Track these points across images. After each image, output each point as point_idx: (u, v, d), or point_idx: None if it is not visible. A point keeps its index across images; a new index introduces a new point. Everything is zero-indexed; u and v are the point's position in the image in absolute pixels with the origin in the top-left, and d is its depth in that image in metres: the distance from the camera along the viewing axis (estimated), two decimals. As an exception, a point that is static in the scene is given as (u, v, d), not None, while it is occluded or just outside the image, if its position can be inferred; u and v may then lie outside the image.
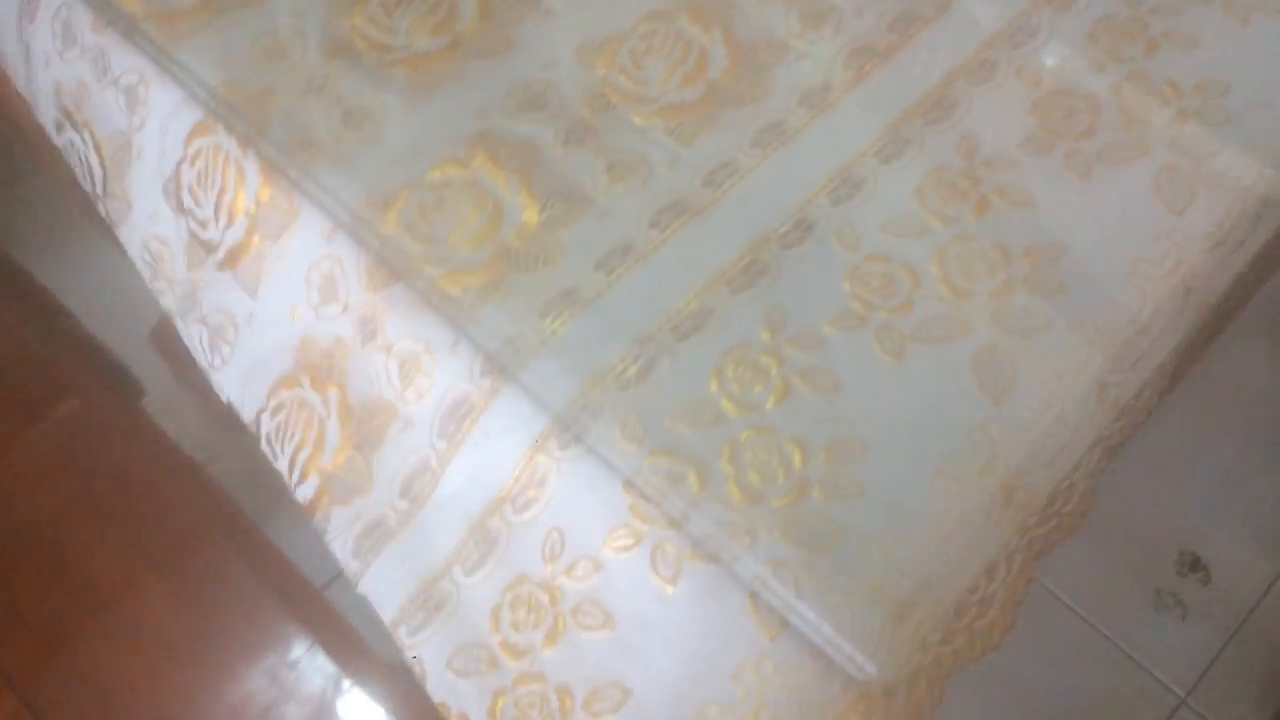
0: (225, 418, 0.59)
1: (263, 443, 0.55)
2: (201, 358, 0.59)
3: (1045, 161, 0.52)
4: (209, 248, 0.57)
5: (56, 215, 1.14)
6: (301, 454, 0.53)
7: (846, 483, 0.45)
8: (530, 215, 0.51)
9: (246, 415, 0.56)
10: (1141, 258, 0.50)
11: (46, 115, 0.64)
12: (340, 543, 0.53)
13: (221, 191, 0.56)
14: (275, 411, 0.54)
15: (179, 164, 0.57)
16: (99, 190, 0.61)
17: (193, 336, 0.59)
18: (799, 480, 0.45)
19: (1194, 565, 1.15)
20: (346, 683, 0.83)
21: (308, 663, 0.83)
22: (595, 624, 0.46)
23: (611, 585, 0.45)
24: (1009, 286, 0.49)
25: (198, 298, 0.58)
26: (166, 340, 1.16)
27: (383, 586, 0.52)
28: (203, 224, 0.57)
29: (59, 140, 0.63)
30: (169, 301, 0.60)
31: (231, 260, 0.55)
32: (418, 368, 0.49)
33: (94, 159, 0.60)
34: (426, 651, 0.51)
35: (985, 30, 0.56)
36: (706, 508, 0.44)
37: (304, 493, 0.54)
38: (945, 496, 0.44)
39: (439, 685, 0.51)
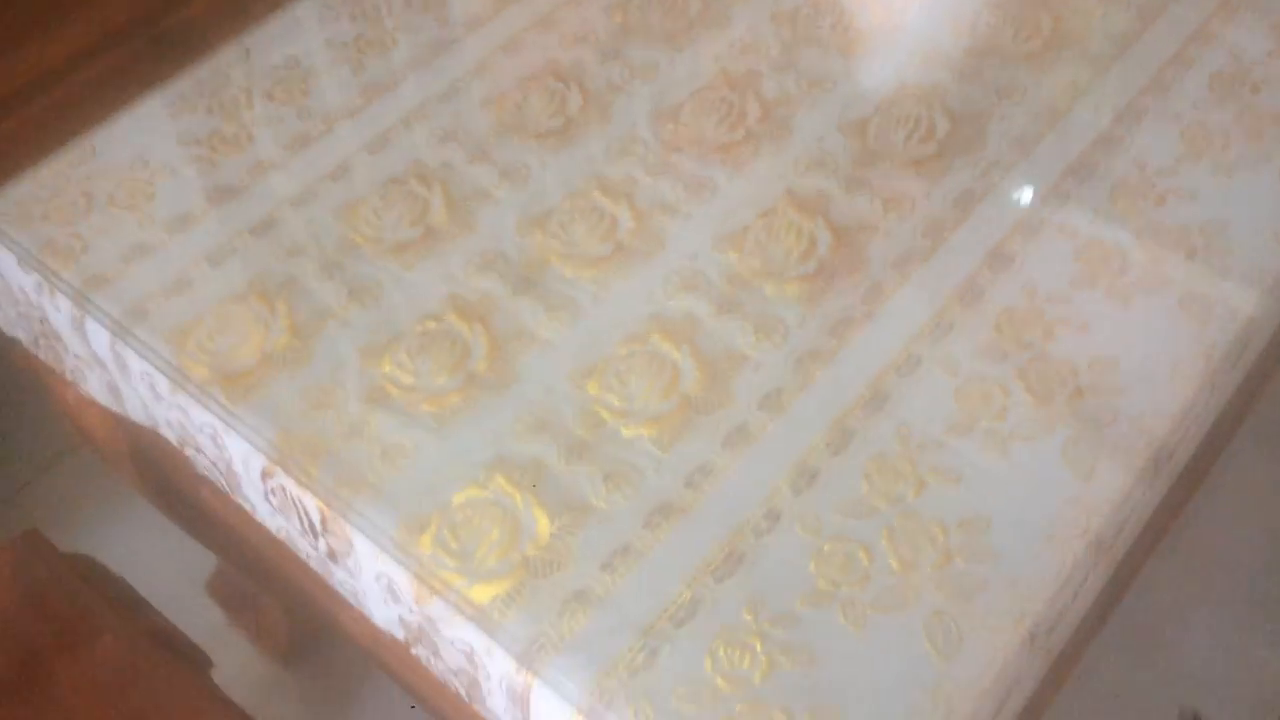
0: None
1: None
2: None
3: (968, 442, 0.65)
4: (315, 548, 0.70)
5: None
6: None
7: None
8: (543, 527, 0.64)
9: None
10: (1058, 519, 0.62)
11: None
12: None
13: (299, 518, 0.69)
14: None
15: (266, 496, 0.70)
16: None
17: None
18: None
19: None
20: None
21: None
22: None
23: None
24: (948, 556, 0.61)
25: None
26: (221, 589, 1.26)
27: None
28: (301, 534, 0.70)
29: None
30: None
31: (334, 557, 0.68)
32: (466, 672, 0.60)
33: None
34: None
35: (909, 329, 0.70)
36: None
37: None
38: None
39: None
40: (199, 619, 1.32)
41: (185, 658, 0.92)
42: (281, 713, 1.15)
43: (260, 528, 0.77)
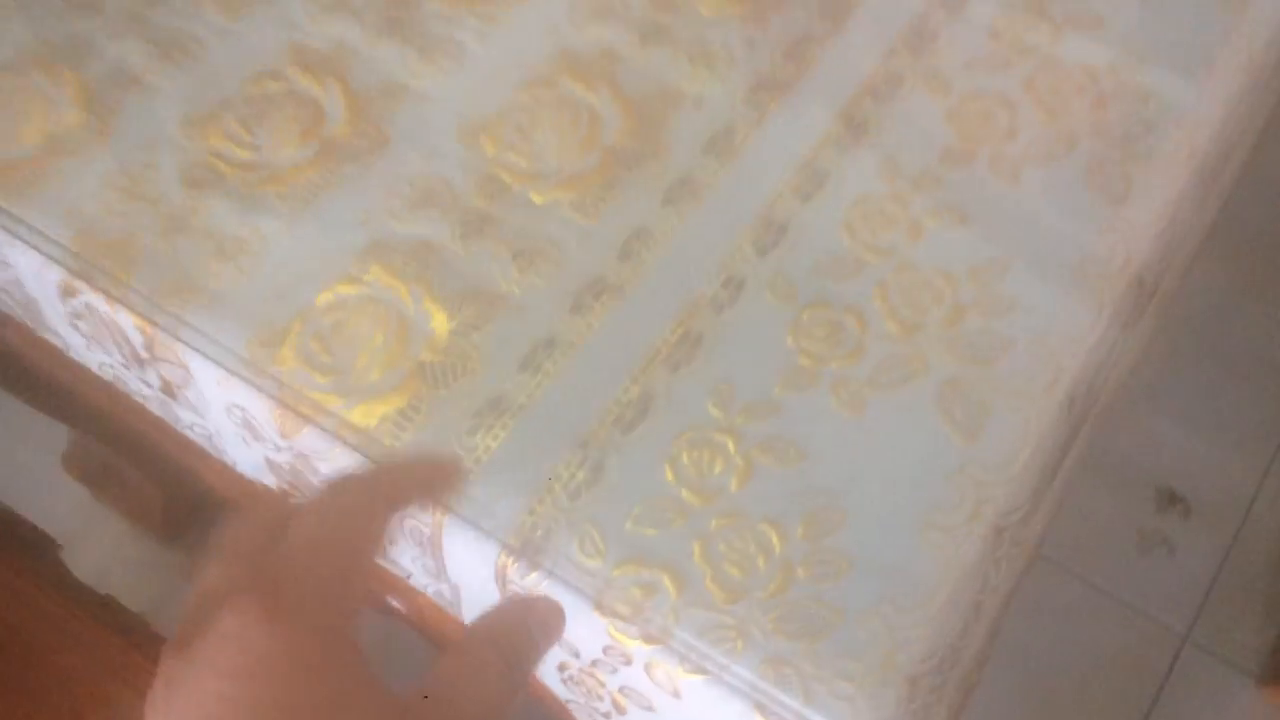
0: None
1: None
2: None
3: (969, 172, 0.52)
4: (148, 385, 0.55)
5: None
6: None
7: (832, 557, 0.43)
8: (440, 324, 0.49)
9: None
10: (1090, 256, 0.50)
11: None
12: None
13: (119, 347, 0.54)
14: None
15: (72, 323, 0.54)
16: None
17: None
18: (781, 564, 0.43)
19: (1172, 499, 1.18)
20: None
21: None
22: (645, 704, 0.45)
23: (633, 683, 0.44)
24: (958, 312, 0.49)
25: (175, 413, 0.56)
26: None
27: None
28: (125, 367, 0.55)
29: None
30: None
31: (170, 391, 0.53)
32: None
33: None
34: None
35: (883, 41, 0.56)
36: (689, 615, 0.42)
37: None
38: (938, 551, 0.43)
39: None
40: (65, 500, 1.17)
41: (24, 543, 0.78)
42: (164, 593, 1.01)
43: (79, 370, 0.61)
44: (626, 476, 0.45)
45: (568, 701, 0.52)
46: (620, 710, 0.48)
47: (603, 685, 0.47)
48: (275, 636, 0.30)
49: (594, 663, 0.46)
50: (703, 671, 0.42)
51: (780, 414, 0.47)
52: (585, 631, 0.44)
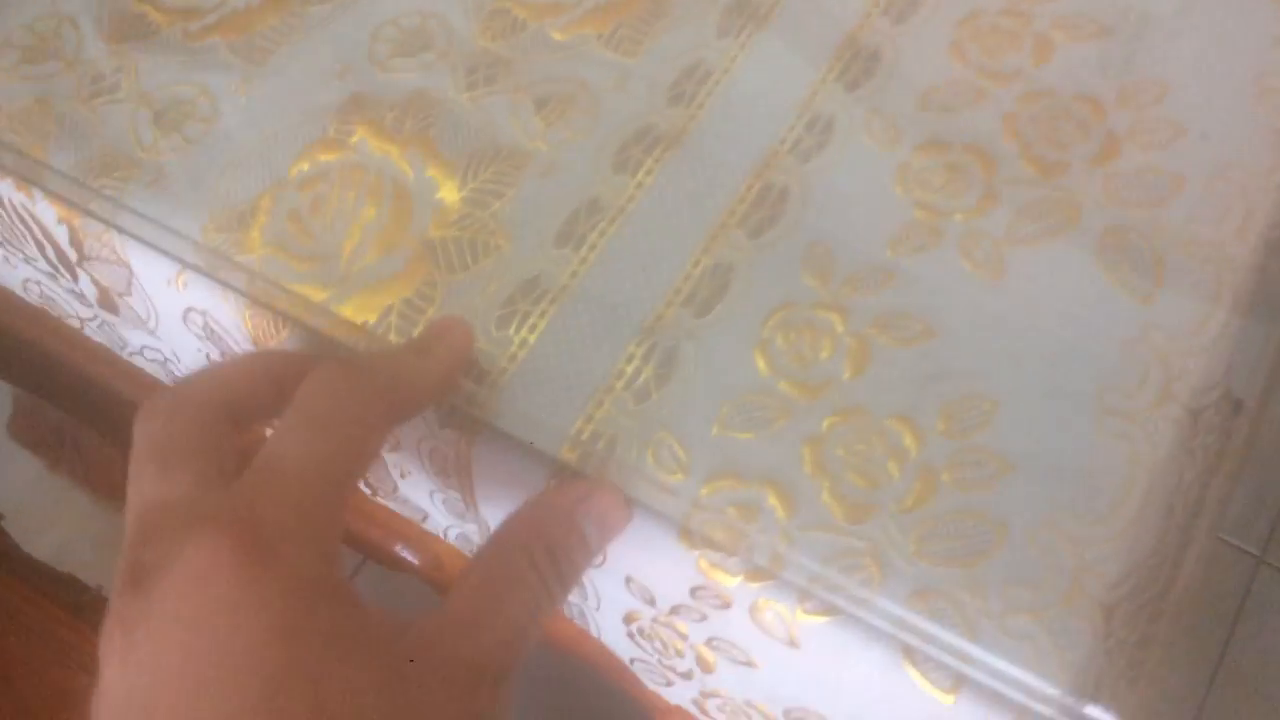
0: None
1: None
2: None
3: (1107, -28, 0.42)
4: (84, 300, 0.44)
5: None
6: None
7: (985, 457, 0.34)
8: (449, 192, 0.39)
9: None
10: (1272, 69, 0.40)
11: None
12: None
13: (41, 249, 0.43)
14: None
15: None
16: None
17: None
18: (919, 469, 0.34)
19: (1237, 408, 1.10)
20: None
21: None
22: (742, 659, 0.36)
23: (731, 632, 0.35)
24: (1111, 144, 0.39)
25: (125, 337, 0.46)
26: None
27: None
28: (52, 277, 0.44)
29: None
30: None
31: (110, 304, 0.43)
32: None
33: None
34: None
35: None
36: (805, 539, 0.33)
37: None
38: (1122, 443, 0.34)
39: None
40: (17, 472, 1.06)
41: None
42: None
43: (4, 297, 0.50)
44: (706, 369, 0.36)
45: (632, 661, 0.42)
46: (706, 667, 0.38)
47: (684, 638, 0.38)
48: (252, 584, 0.24)
49: (675, 609, 0.36)
50: (832, 611, 0.32)
51: (896, 281, 0.37)
52: (666, 569, 0.35)
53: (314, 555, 0.25)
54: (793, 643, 0.33)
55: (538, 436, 0.35)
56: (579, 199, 0.39)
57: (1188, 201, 0.37)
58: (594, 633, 0.43)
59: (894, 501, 0.33)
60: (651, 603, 0.37)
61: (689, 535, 0.34)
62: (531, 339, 0.36)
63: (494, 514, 0.39)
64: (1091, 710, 0.29)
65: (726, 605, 0.34)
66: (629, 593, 0.37)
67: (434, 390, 0.33)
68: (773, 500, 0.33)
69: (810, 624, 0.33)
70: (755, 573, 0.33)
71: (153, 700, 0.23)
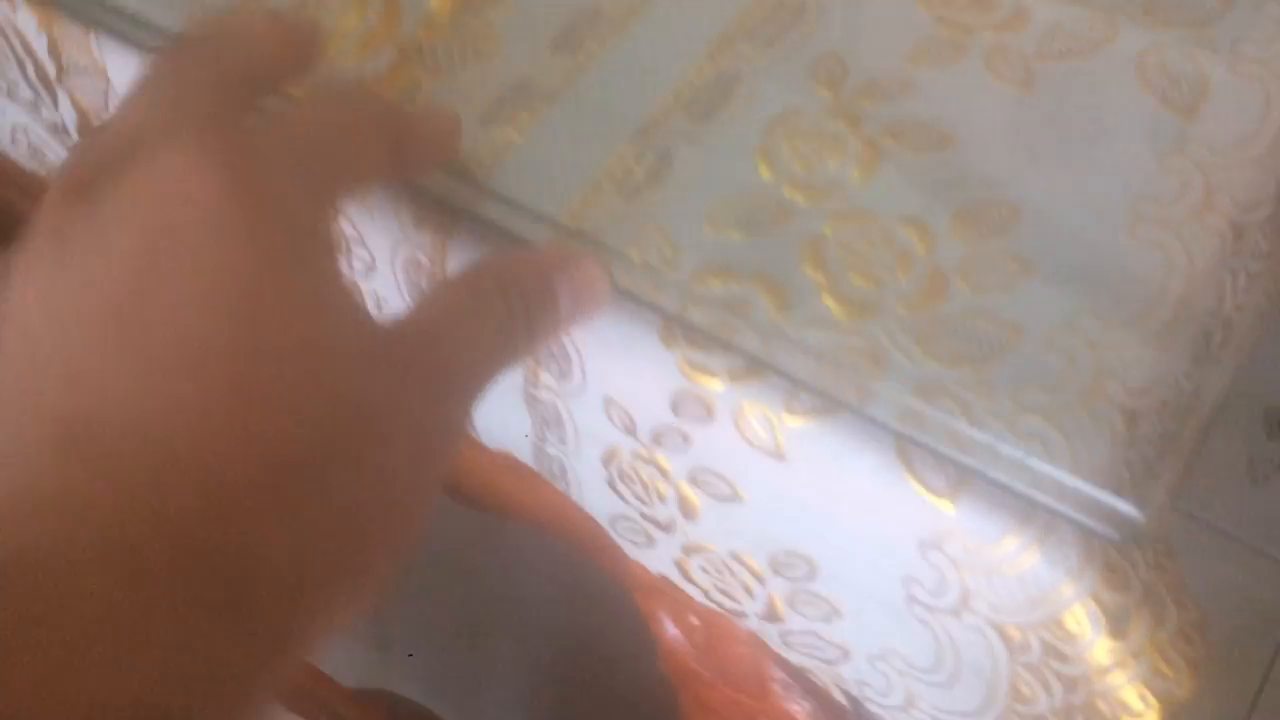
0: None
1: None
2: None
3: None
4: (65, 137, 0.43)
5: None
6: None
7: (1002, 261, 0.31)
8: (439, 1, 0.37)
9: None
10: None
11: None
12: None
13: (19, 66, 0.42)
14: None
15: None
16: None
17: None
18: (929, 272, 0.31)
19: None
20: None
21: None
22: (726, 493, 0.32)
23: (715, 454, 0.32)
24: (1155, -32, 0.36)
25: None
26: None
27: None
28: (34, 108, 0.43)
29: None
30: None
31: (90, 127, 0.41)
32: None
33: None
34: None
35: None
36: (796, 336, 0.30)
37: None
38: (1156, 249, 0.31)
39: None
40: None
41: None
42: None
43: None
44: (704, 171, 0.33)
45: (613, 521, 0.39)
46: (690, 511, 0.35)
47: (665, 476, 0.35)
48: (229, 199, 0.20)
49: (657, 437, 0.33)
50: (821, 411, 0.29)
51: (914, 92, 0.34)
52: (646, 380, 0.32)
53: (313, 207, 0.22)
54: (779, 454, 0.31)
55: (518, 226, 0.32)
56: (580, 8, 0.37)
57: (1234, 24, 0.35)
58: (574, 494, 0.40)
59: (899, 302, 0.30)
60: (632, 431, 0.34)
61: (671, 333, 0.31)
62: (519, 139, 0.34)
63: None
64: (1108, 502, 0.26)
65: (709, 415, 0.31)
66: (608, 419, 0.34)
67: (424, 149, 0.30)
68: (765, 297, 0.31)
69: (798, 427, 0.30)
70: (740, 371, 0.30)
71: (85, 307, 0.19)
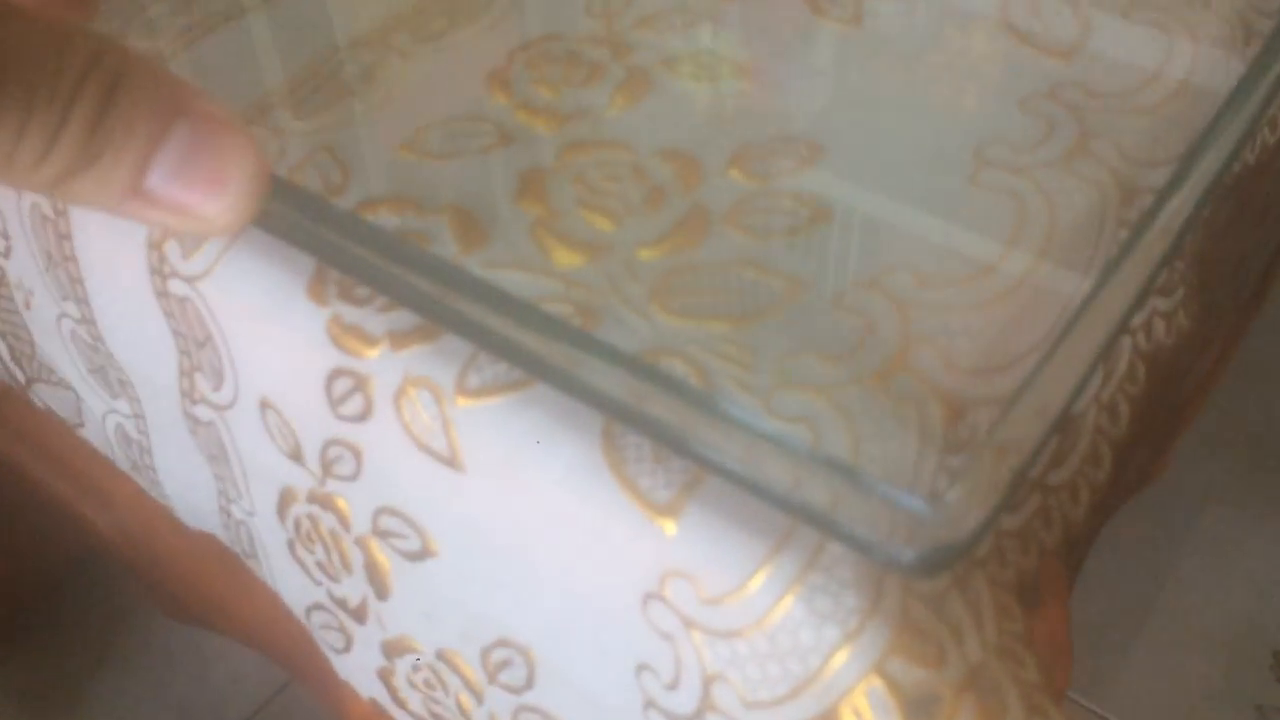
0: None
1: None
2: None
3: None
4: None
5: None
6: None
7: (790, 204, 0.22)
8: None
9: None
10: None
11: None
12: None
13: None
14: None
15: None
16: None
17: None
18: (686, 211, 0.22)
19: None
20: None
21: None
22: (415, 548, 0.22)
23: (388, 474, 0.22)
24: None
25: None
26: None
27: None
28: None
29: None
30: None
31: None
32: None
33: None
34: None
35: None
36: (482, 279, 0.21)
37: None
38: (1008, 199, 0.22)
39: None
40: None
41: None
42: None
43: None
44: (414, 91, 0.25)
45: (309, 610, 0.29)
46: (381, 583, 0.25)
47: (346, 525, 0.25)
48: None
49: (325, 461, 0.24)
50: (495, 388, 0.20)
51: (712, 21, 0.26)
52: (299, 356, 0.23)
53: None
54: (454, 461, 0.21)
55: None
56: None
57: (1129, -32, 0.27)
58: (268, 574, 0.30)
59: (639, 245, 0.21)
60: (298, 454, 0.24)
61: (322, 284, 0.22)
62: (200, 39, 0.26)
63: (120, 346, 0.27)
64: (900, 501, 0.16)
65: (368, 406, 0.22)
66: (270, 437, 0.25)
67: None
68: (451, 229, 0.22)
69: (472, 411, 0.20)
70: (403, 334, 0.21)
71: None
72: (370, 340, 0.21)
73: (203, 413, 0.27)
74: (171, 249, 0.24)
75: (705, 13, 0.27)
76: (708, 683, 0.19)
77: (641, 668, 0.20)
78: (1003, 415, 0.17)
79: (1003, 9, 0.26)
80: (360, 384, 0.22)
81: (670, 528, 0.18)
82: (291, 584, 0.28)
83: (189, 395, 0.27)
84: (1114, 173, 0.23)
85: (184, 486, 0.30)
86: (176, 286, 0.24)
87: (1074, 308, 0.18)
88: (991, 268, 0.21)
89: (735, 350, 0.19)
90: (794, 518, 0.17)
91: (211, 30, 0.26)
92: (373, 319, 0.22)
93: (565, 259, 0.21)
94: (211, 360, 0.25)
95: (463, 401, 0.20)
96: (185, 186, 0.17)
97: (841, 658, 0.17)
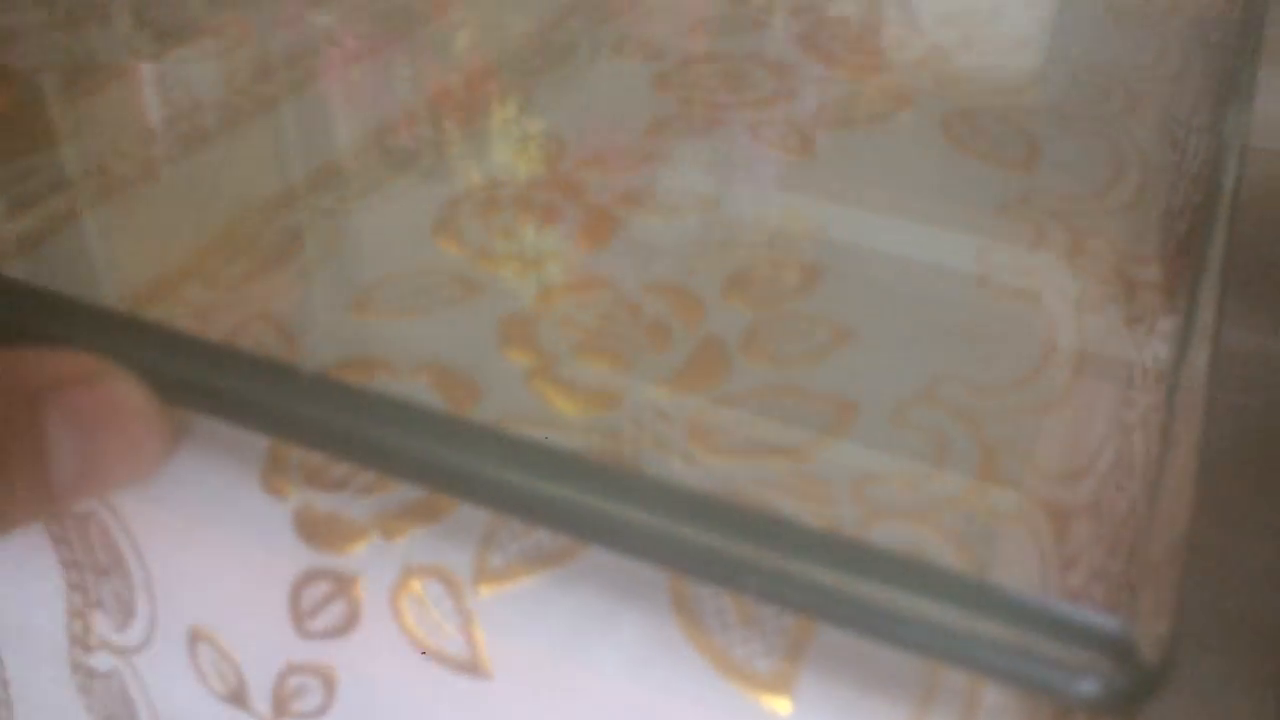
0: None
1: None
2: None
3: None
4: None
5: None
6: None
7: (806, 328, 0.20)
8: None
9: None
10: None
11: None
12: None
13: None
14: None
15: None
16: None
17: None
18: (699, 345, 0.20)
19: None
20: None
21: None
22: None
23: (377, 700, 0.18)
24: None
25: None
26: None
27: None
28: None
29: None
30: None
31: None
32: None
33: None
34: None
35: None
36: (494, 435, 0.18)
37: None
38: (1017, 301, 0.21)
39: None
40: None
41: None
42: None
43: None
44: (351, 251, 0.22)
45: None
46: None
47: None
48: None
49: (281, 698, 0.20)
50: (532, 562, 0.17)
51: (658, 162, 0.25)
52: (255, 569, 0.19)
53: None
54: (477, 665, 0.17)
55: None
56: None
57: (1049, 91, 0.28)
58: None
59: (658, 384, 0.19)
60: (241, 696, 0.20)
61: (280, 469, 0.18)
62: (86, 213, 0.23)
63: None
64: (1077, 620, 0.14)
65: (354, 613, 0.18)
66: (200, 678, 0.20)
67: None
68: (437, 391, 0.19)
69: (501, 596, 0.17)
70: (396, 513, 0.18)
71: None
72: (353, 530, 0.18)
73: (101, 662, 0.22)
74: (70, 455, 0.20)
75: (648, 154, 0.25)
76: None
77: None
78: (1145, 528, 0.15)
79: (946, 128, 0.26)
80: (342, 587, 0.18)
81: (783, 706, 0.15)
82: None
83: (81, 642, 0.22)
84: (1114, 266, 0.22)
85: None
86: (77, 507, 0.20)
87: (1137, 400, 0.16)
88: (1036, 370, 0.19)
89: (804, 484, 0.17)
90: (941, 663, 0.15)
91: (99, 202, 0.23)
92: (354, 504, 0.18)
93: (573, 408, 0.18)
94: (118, 592, 0.20)
95: (486, 589, 0.17)
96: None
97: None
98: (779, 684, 0.15)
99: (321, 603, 0.18)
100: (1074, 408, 0.19)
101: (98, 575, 0.21)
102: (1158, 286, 0.22)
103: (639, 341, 0.20)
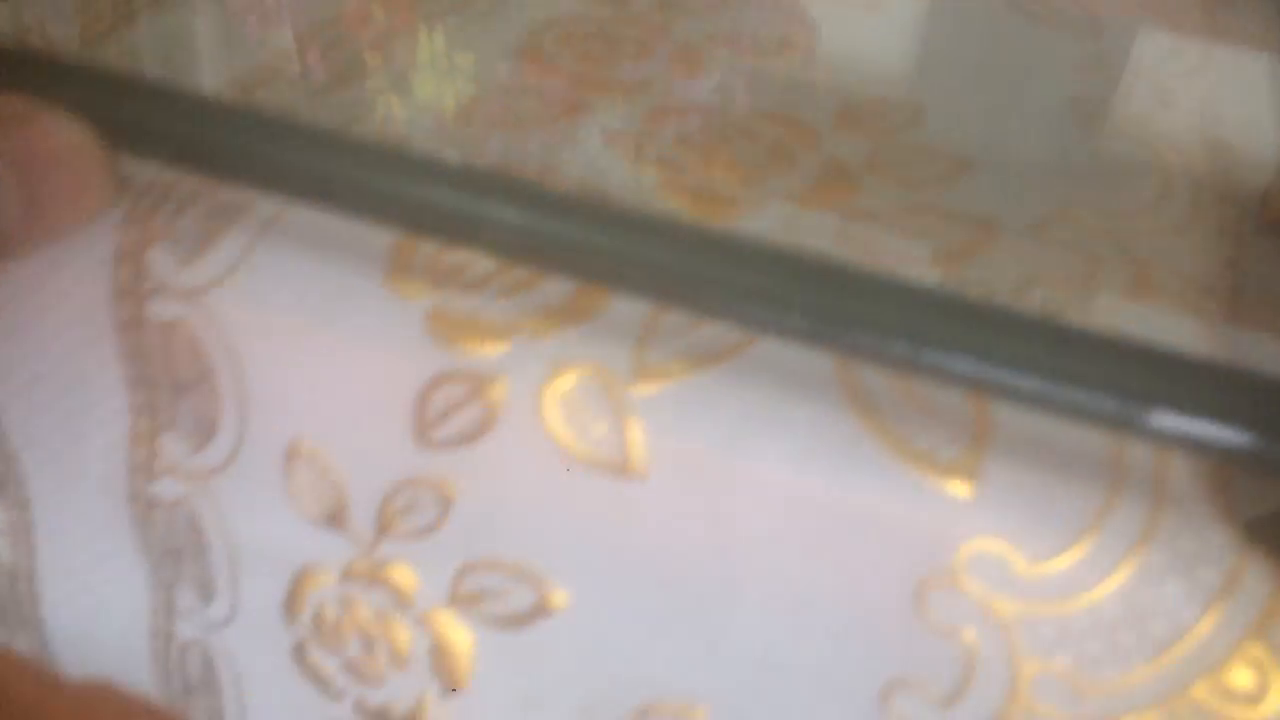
0: None
1: None
2: None
3: None
4: None
5: None
6: None
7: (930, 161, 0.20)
8: None
9: None
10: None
11: None
12: None
13: None
14: None
15: None
16: None
17: None
18: (822, 162, 0.20)
19: None
20: None
21: None
22: (527, 605, 0.19)
23: (503, 508, 0.17)
24: None
25: None
26: None
27: None
28: None
29: None
30: None
31: None
32: None
33: None
34: None
35: None
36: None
37: None
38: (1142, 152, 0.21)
39: None
40: None
41: None
42: None
43: None
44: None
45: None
46: (453, 672, 0.20)
47: (405, 606, 0.20)
48: None
49: (386, 516, 0.19)
50: (700, 358, 0.16)
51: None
52: (374, 372, 0.18)
53: None
54: (627, 466, 0.17)
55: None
56: None
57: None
58: (226, 710, 0.23)
59: (786, 195, 0.19)
60: (339, 516, 0.19)
61: (407, 261, 0.17)
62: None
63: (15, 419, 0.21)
64: None
65: (490, 417, 0.17)
66: (291, 500, 0.19)
67: None
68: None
69: (660, 398, 0.16)
70: (546, 315, 0.17)
71: None
72: (496, 330, 0.17)
73: (167, 489, 0.20)
74: (158, 257, 0.18)
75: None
76: (1017, 674, 0.16)
77: (893, 688, 0.17)
78: None
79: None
80: (478, 389, 0.17)
81: (963, 490, 0.15)
82: (283, 712, 0.22)
83: (144, 469, 0.20)
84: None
85: (88, 614, 0.23)
86: (161, 309, 0.19)
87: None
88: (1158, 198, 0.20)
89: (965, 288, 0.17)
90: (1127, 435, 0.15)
91: None
92: (495, 305, 0.17)
93: (712, 217, 0.18)
94: (198, 410, 0.19)
95: (645, 386, 0.16)
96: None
97: (1218, 612, 0.15)
98: (963, 469, 0.15)
99: (452, 408, 0.17)
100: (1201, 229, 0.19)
101: (174, 393, 0.19)
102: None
103: (762, 161, 0.19)
